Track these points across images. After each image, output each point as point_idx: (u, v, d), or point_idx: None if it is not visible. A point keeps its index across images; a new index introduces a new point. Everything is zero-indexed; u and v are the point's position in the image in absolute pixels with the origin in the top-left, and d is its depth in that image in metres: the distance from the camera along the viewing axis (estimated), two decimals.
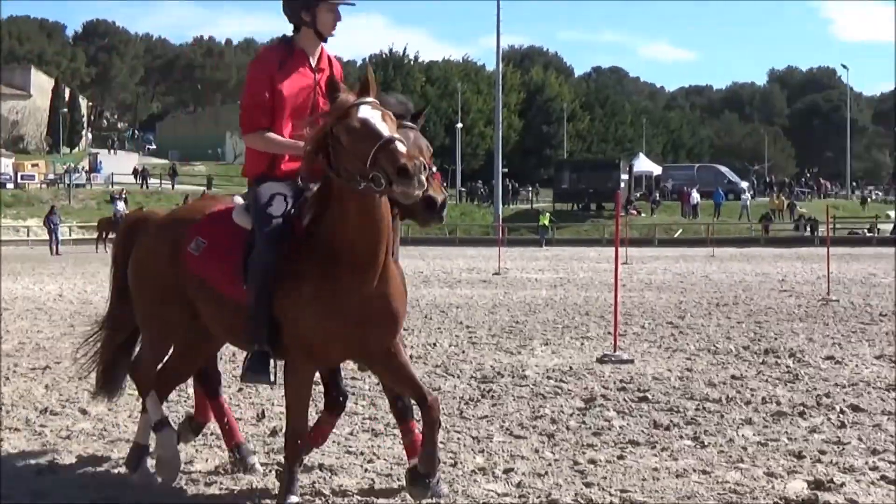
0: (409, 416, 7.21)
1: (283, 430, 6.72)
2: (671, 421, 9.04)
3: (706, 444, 8.21)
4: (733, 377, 11.43)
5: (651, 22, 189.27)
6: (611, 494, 6.85)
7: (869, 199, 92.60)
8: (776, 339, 14.93)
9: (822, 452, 7.91)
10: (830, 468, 7.43)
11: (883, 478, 7.17)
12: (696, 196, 72.64)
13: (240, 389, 10.28)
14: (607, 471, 7.47)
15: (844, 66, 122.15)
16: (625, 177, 70.97)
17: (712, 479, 7.19)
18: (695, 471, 7.39)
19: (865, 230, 60.92)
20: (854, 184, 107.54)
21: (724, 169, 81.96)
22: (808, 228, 59.32)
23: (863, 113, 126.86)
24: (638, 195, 73.68)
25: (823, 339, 14.83)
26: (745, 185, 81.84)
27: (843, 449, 8.02)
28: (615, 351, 13.03)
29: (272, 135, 6.50)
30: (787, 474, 7.30)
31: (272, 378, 6.40)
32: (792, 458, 7.75)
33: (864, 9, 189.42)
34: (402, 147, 5.57)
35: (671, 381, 11.23)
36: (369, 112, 5.73)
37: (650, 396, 10.16)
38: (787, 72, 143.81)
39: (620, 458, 7.81)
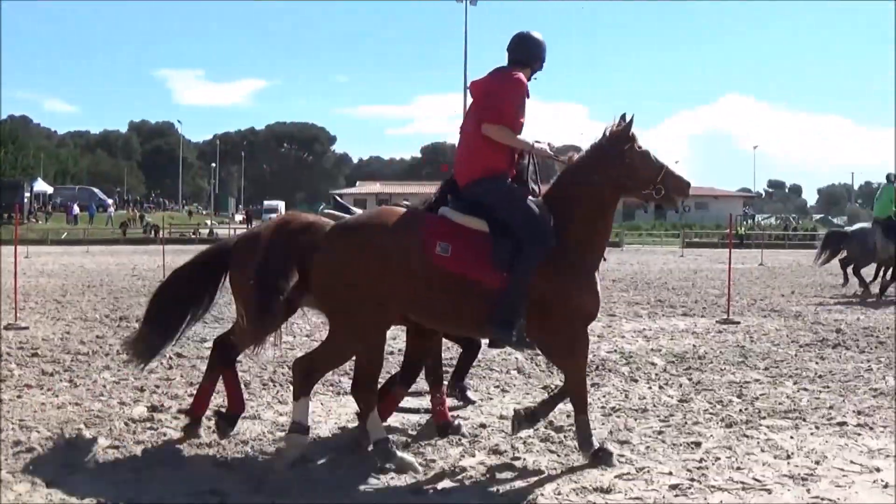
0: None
1: (563, 386, 6.27)
2: (54, 369, 9.05)
3: (78, 385, 8.37)
4: (98, 336, 11.60)
5: (51, 84, 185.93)
6: (12, 423, 6.82)
7: (193, 213, 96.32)
8: (128, 309, 15.10)
9: (157, 386, 8.29)
10: (162, 397, 7.85)
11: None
12: (76, 209, 72.09)
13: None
14: (9, 406, 7.41)
15: (179, 121, 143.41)
16: (27, 194, 68.99)
17: (82, 409, 7.36)
18: (70, 403, 7.59)
19: (191, 233, 62.48)
20: (184, 201, 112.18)
21: (96, 190, 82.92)
22: (153, 232, 59.08)
23: (192, 153, 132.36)
24: (36, 207, 71.19)
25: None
26: (110, 201, 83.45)
27: (171, 383, 8.42)
28: (16, 321, 12.72)
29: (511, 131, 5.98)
30: (133, 402, 7.68)
31: (514, 338, 5.80)
32: (136, 391, 8.12)
33: (194, 78, 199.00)
34: (679, 171, 6.06)
35: (55, 340, 11.22)
36: (647, 146, 6.07)
37: (40, 353, 10.12)
38: (142, 123, 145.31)
39: (19, 397, 7.76)
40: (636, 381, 8.99)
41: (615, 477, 5.71)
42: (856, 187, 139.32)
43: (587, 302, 5.97)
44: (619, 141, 6.01)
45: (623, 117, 6.04)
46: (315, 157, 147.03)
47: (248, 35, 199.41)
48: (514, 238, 5.76)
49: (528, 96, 6.12)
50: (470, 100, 6.39)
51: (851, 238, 19.27)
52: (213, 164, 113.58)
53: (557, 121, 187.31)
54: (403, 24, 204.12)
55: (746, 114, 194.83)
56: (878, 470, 5.88)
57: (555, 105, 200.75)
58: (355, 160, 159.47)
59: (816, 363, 10.05)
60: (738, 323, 13.74)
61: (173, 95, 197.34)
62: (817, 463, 6.03)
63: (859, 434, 6.82)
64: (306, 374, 5.90)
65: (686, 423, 7.20)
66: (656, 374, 9.36)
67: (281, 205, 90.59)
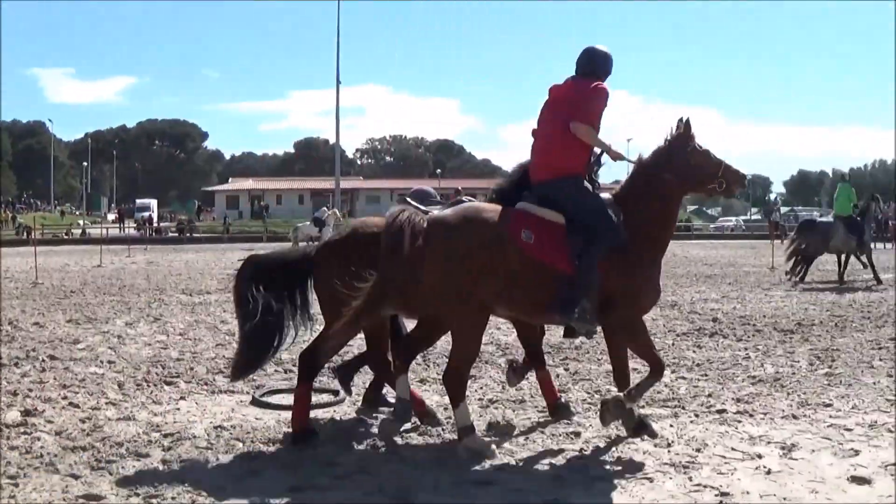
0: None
1: (652, 365, 6.45)
2: None
3: None
4: None
5: None
6: None
7: (65, 213, 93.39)
8: None
9: (30, 390, 8.01)
10: (35, 401, 7.58)
11: (73, 406, 7.47)
12: None
13: None
14: None
15: (50, 120, 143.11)
16: None
17: None
18: None
19: (63, 234, 60.34)
20: (56, 202, 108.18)
21: None
22: (25, 233, 56.46)
23: (63, 152, 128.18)
24: None
25: (31, 311, 14.55)
26: None
27: (44, 386, 8.17)
28: None
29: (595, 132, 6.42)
30: (6, 407, 7.30)
31: (575, 315, 6.04)
32: (10, 396, 7.76)
33: (64, 76, 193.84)
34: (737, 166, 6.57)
35: None
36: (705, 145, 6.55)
37: None
38: (13, 123, 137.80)
39: None
40: None
41: (495, 469, 5.75)
42: None
43: (647, 294, 6.46)
44: (682, 142, 6.52)
45: (680, 120, 6.55)
46: (187, 154, 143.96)
47: (116, 31, 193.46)
48: (584, 231, 6.18)
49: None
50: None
51: (818, 227, 20.51)
52: (85, 164, 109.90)
53: (429, 114, 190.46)
54: (274, 19, 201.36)
55: (620, 108, 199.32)
56: (759, 456, 6.02)
57: (426, 100, 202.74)
58: (228, 156, 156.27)
59: (694, 352, 10.30)
60: None
61: (45, 94, 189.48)
62: (698, 451, 6.15)
63: (739, 421, 6.99)
64: (456, 379, 6.17)
65: None
66: None
67: (153, 203, 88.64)
